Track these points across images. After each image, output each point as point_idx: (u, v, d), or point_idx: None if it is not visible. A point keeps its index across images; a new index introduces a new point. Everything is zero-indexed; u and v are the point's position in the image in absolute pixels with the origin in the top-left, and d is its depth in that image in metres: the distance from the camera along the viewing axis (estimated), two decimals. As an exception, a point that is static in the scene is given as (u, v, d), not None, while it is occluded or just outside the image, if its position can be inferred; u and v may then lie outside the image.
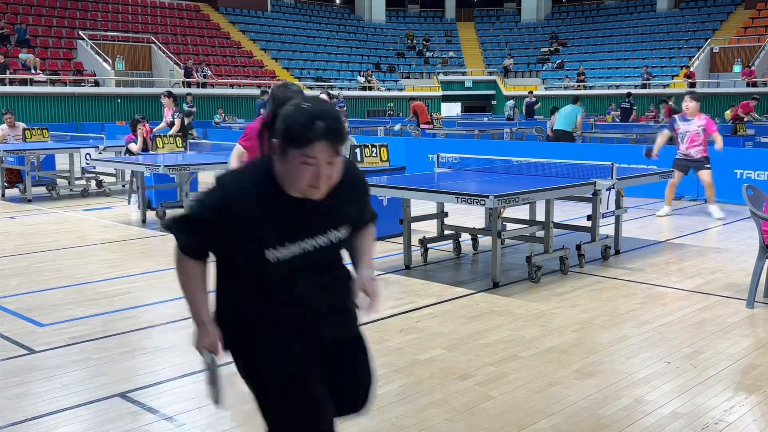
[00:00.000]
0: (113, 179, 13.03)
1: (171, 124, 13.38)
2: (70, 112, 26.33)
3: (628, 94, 25.13)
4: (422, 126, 20.92)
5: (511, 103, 28.44)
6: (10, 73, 25.16)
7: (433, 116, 24.19)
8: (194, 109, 20.87)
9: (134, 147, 11.18)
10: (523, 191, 6.08)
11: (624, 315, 5.39)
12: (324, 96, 10.98)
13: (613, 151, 12.53)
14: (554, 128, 15.92)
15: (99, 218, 9.98)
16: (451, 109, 38.48)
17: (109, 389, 4.01)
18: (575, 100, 16.69)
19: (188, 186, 9.07)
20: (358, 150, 8.18)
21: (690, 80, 31.21)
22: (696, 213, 10.25)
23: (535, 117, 26.48)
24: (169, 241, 8.59)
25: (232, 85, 30.95)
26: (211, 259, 2.37)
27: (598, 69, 37.02)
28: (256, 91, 31.31)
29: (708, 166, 9.74)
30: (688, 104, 9.67)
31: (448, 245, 7.64)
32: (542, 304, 5.68)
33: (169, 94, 13.70)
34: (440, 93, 38.25)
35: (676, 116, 10.09)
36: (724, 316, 5.34)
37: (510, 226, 7.52)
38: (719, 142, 9.76)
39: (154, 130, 12.34)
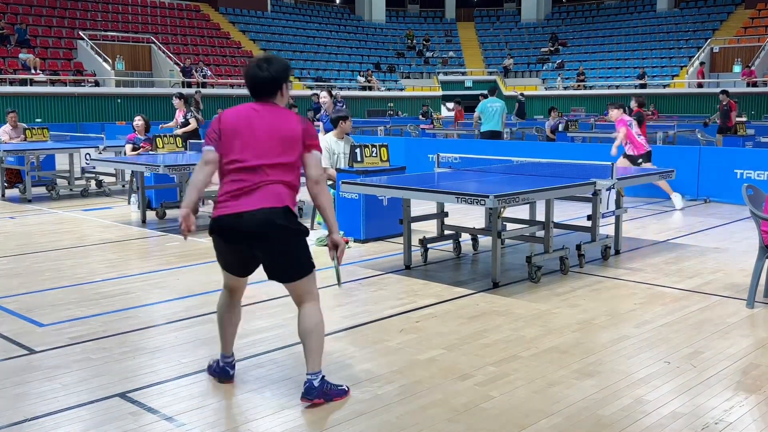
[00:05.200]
0: (113, 179, 13.03)
1: (183, 124, 13.65)
2: (70, 112, 26.32)
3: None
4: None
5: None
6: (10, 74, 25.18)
7: (433, 116, 24.22)
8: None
9: (128, 150, 11.18)
10: (523, 191, 6.08)
11: (624, 315, 5.39)
12: (325, 94, 10.96)
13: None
14: (482, 130, 14.82)
15: (99, 218, 9.98)
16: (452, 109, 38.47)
17: (109, 389, 4.01)
18: (493, 91, 15.14)
19: (188, 186, 9.07)
20: (358, 150, 8.18)
21: (698, 80, 31.14)
22: (696, 213, 10.26)
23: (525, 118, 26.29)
24: (169, 241, 8.58)
25: (232, 85, 30.92)
26: None
27: (598, 69, 37.02)
28: (256, 91, 31.36)
29: (639, 162, 10.26)
30: (610, 112, 10.70)
31: (448, 245, 7.64)
32: (542, 304, 5.68)
33: (180, 96, 13.95)
34: (440, 93, 38.23)
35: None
36: (724, 316, 5.34)
37: (510, 226, 7.52)
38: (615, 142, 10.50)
39: (161, 126, 13.16)
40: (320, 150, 3.86)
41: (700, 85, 30.47)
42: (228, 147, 3.78)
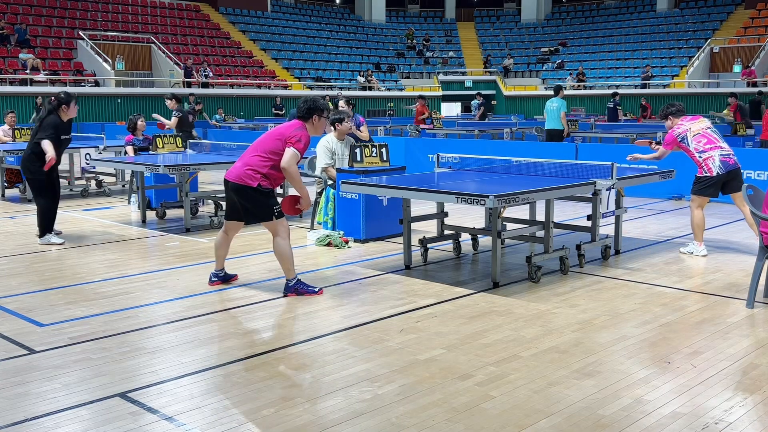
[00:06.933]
0: (113, 179, 13.03)
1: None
2: (70, 112, 26.28)
3: (614, 94, 24.20)
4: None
5: (476, 102, 27.25)
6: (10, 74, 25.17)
7: (432, 116, 24.22)
8: (200, 106, 20.93)
9: (131, 151, 11.17)
10: (523, 191, 6.07)
11: (624, 315, 5.39)
12: (319, 94, 10.94)
13: (613, 151, 12.53)
14: (546, 128, 15.66)
15: (99, 218, 9.98)
16: (451, 109, 38.48)
17: (109, 389, 4.01)
18: (558, 91, 15.75)
19: (188, 186, 9.05)
20: (357, 150, 8.18)
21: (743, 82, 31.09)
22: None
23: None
24: (169, 241, 8.57)
25: (232, 85, 30.95)
26: None
27: (598, 69, 37.01)
28: (256, 91, 31.50)
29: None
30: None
31: (448, 245, 7.64)
32: (542, 304, 5.68)
33: (172, 96, 13.85)
34: (440, 93, 38.24)
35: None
36: (724, 316, 5.34)
37: (510, 226, 7.52)
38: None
39: (157, 121, 13.85)
40: (298, 148, 5.67)
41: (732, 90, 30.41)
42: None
